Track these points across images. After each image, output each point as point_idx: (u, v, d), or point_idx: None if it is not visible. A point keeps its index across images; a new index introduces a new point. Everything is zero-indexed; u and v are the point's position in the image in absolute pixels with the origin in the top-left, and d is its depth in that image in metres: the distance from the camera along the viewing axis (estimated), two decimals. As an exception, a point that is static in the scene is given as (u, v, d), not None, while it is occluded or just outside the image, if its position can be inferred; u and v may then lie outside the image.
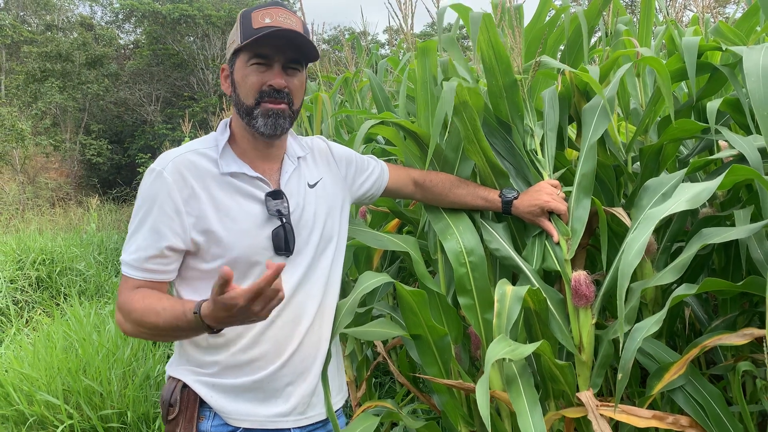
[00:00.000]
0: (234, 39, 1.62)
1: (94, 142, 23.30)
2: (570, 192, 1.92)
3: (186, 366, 1.63)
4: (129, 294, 1.55)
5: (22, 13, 26.33)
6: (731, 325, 1.97)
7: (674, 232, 2.03)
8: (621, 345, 1.55)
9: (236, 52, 1.61)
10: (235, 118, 1.69)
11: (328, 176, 1.81)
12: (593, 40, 2.53)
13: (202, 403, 1.60)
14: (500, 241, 1.98)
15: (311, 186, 1.74)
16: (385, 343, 2.93)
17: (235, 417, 1.60)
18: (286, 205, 1.63)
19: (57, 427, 3.60)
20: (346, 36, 4.42)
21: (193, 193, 1.56)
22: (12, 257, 7.89)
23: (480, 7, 2.05)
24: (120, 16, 28.51)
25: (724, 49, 1.91)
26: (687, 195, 1.55)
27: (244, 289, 1.28)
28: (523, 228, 2.05)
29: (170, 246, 1.54)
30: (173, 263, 1.58)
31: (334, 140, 2.06)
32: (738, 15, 2.89)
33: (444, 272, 2.15)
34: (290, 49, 1.60)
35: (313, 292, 1.69)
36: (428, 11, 2.36)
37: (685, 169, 1.82)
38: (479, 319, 1.94)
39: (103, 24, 28.61)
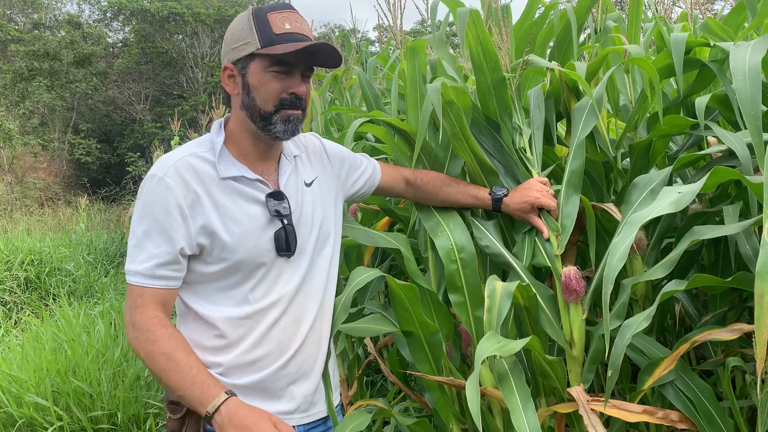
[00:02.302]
0: (248, 40, 1.56)
1: (83, 141, 23.15)
2: (559, 189, 1.92)
3: None
4: (149, 315, 1.52)
5: (8, 12, 26.13)
6: (721, 321, 1.98)
7: (664, 228, 2.03)
8: (606, 343, 1.56)
9: (252, 56, 1.56)
10: (238, 118, 1.64)
11: (322, 174, 1.81)
12: (582, 37, 2.54)
13: None
14: (490, 238, 1.99)
15: (308, 185, 1.74)
16: (375, 342, 2.92)
17: None
18: (286, 205, 1.63)
19: (46, 429, 3.57)
20: (336, 33, 4.41)
21: (197, 197, 1.54)
22: (0, 258, 7.82)
23: (471, 4, 2.05)
24: (108, 14, 28.33)
25: (712, 45, 1.92)
26: (670, 198, 1.56)
27: None
28: (512, 225, 2.05)
29: (182, 251, 1.53)
30: (183, 269, 1.57)
31: (324, 137, 2.05)
32: (726, 11, 2.91)
33: (435, 269, 2.15)
34: (310, 58, 1.59)
35: (314, 291, 1.69)
36: (417, 8, 2.36)
37: (672, 166, 1.83)
38: (470, 316, 1.94)
39: (91, 22, 28.41)
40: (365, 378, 3.85)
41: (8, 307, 6.99)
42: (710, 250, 2.12)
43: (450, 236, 1.97)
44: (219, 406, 1.47)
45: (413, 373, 2.07)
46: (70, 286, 7.90)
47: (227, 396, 1.49)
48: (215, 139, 1.64)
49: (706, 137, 2.11)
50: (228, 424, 1.46)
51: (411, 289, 1.85)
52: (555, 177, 2.12)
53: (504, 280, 1.84)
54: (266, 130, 1.61)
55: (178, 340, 1.53)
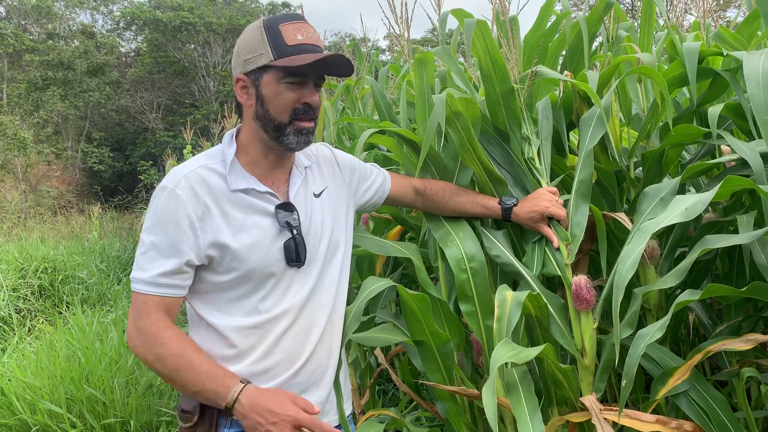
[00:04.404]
0: (260, 52, 1.57)
1: (96, 149, 23.39)
2: (569, 198, 1.92)
3: None
4: (153, 319, 1.52)
5: (23, 22, 26.47)
6: (735, 331, 1.97)
7: (677, 237, 2.03)
8: (617, 351, 1.55)
9: (265, 67, 1.58)
10: (251, 129, 1.66)
11: (332, 184, 1.82)
12: (594, 45, 2.54)
13: (221, 412, 1.60)
14: (500, 247, 1.99)
15: (317, 195, 1.75)
16: (386, 351, 2.92)
17: None
18: (296, 216, 1.64)
19: (60, 436, 3.59)
20: (347, 42, 4.43)
21: (207, 209, 1.56)
22: (14, 265, 7.90)
23: (482, 14, 2.05)
24: (121, 24, 28.67)
25: (725, 54, 1.91)
26: (682, 207, 1.56)
27: (306, 415, 1.49)
28: (521, 235, 2.05)
29: (189, 262, 1.54)
30: (190, 279, 1.58)
31: (336, 147, 2.07)
32: (739, 19, 2.90)
33: (445, 279, 2.15)
34: (323, 68, 1.60)
35: (324, 301, 1.70)
36: (429, 18, 2.37)
37: (680, 176, 1.82)
38: (481, 326, 1.94)
39: (104, 32, 28.76)
40: (377, 387, 3.84)
41: (22, 314, 7.05)
42: (724, 260, 2.11)
43: (460, 246, 1.97)
44: (238, 396, 1.48)
45: (425, 382, 2.07)
46: (83, 293, 7.96)
47: (243, 384, 1.50)
48: (227, 150, 1.66)
49: (718, 146, 2.11)
50: (250, 412, 1.47)
51: (422, 299, 1.85)
52: (565, 186, 2.12)
53: (514, 289, 1.84)
54: (279, 141, 1.62)
55: (186, 340, 1.54)
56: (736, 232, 1.81)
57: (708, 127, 1.91)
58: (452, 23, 2.30)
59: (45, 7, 25.49)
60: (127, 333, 1.57)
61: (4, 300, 6.89)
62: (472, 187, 2.14)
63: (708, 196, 1.52)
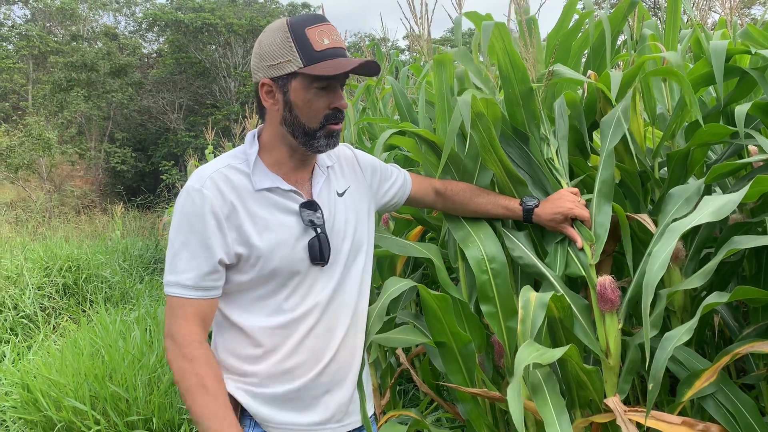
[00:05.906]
0: (288, 58, 1.54)
1: (119, 150, 23.68)
2: (591, 198, 1.90)
3: (226, 374, 1.64)
4: (188, 330, 1.53)
5: (48, 24, 26.91)
6: (763, 333, 1.93)
7: (703, 238, 2.00)
8: (647, 355, 1.53)
9: (294, 74, 1.55)
10: (276, 132, 1.65)
11: (354, 184, 1.82)
12: (617, 44, 2.51)
13: (243, 411, 1.61)
14: (523, 248, 1.97)
15: (340, 195, 1.75)
16: (407, 351, 2.92)
17: (275, 426, 1.61)
18: (319, 215, 1.64)
19: (84, 432, 3.64)
20: (367, 42, 4.43)
21: (233, 208, 1.56)
22: (39, 264, 8.01)
23: (502, 13, 2.04)
24: (143, 25, 29.05)
25: (753, 52, 1.88)
26: (711, 207, 1.53)
27: None
28: (542, 236, 2.03)
29: (221, 260, 1.55)
30: (222, 278, 1.58)
31: (357, 147, 2.07)
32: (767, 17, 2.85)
33: (466, 280, 2.14)
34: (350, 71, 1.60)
35: (347, 301, 1.70)
36: (450, 17, 2.36)
37: (706, 177, 1.80)
38: (502, 327, 1.93)
39: (126, 33, 29.15)
40: (397, 387, 3.84)
41: (47, 312, 7.15)
42: (752, 262, 2.08)
43: (481, 247, 1.96)
44: None
45: (447, 384, 2.06)
46: (106, 292, 8.05)
47: None
48: (249, 150, 1.66)
49: (746, 146, 2.07)
50: None
51: (443, 300, 1.85)
52: (586, 187, 2.10)
53: (536, 290, 1.83)
54: (308, 146, 1.62)
55: (213, 366, 1.54)
56: (764, 233, 1.78)
57: (734, 126, 1.88)
58: (467, 25, 2.30)
59: (69, 10, 25.88)
60: (164, 334, 1.58)
61: (29, 298, 7.00)
62: (492, 188, 2.13)
63: (738, 196, 1.49)
